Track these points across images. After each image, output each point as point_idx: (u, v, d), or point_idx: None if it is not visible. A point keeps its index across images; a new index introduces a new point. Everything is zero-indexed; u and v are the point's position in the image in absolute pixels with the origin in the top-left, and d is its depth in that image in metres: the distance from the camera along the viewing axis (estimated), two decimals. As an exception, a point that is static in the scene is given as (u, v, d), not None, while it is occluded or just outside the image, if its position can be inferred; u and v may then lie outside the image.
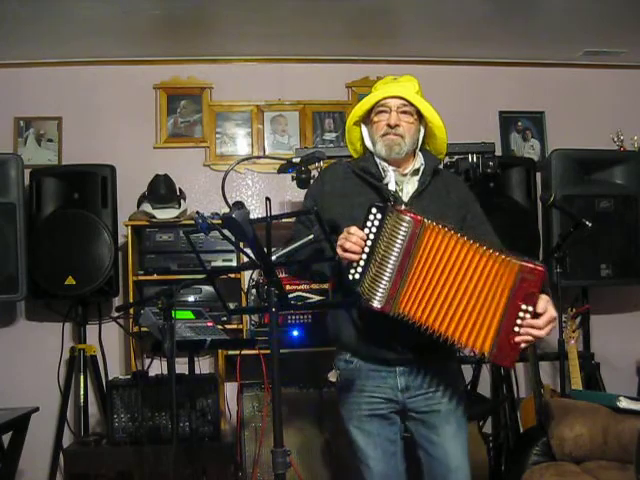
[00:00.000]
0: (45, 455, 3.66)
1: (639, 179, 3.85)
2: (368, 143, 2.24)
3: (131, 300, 3.59)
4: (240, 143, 4.13)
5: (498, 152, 3.87)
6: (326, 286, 3.50)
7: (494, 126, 4.24)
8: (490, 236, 2.19)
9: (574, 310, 3.49)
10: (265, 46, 3.97)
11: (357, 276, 1.95)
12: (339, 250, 1.96)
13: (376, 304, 1.93)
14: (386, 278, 1.93)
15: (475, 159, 3.41)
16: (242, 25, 3.64)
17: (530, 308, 1.93)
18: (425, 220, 1.93)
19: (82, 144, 3.94)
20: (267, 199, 1.84)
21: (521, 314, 1.93)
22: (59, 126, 4.00)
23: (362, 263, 1.95)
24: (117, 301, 3.83)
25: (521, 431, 3.60)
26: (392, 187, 2.16)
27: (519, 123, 4.31)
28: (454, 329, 1.94)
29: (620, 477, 2.55)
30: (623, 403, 2.78)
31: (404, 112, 2.16)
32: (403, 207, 1.98)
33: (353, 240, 1.94)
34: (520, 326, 1.93)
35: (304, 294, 3.49)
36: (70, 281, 3.45)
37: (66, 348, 3.76)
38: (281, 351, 1.87)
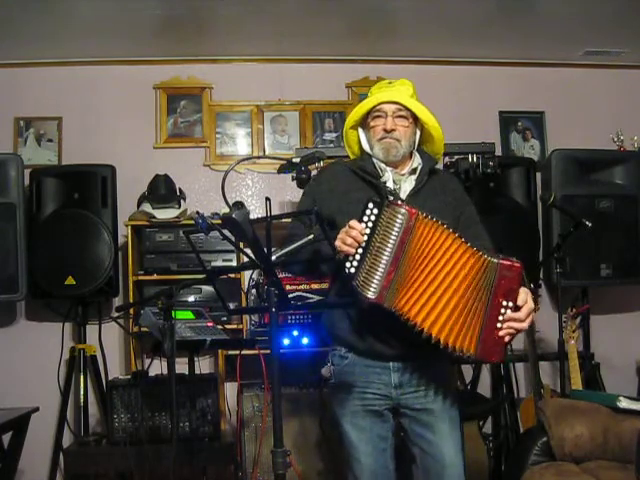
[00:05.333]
0: (45, 455, 3.65)
1: (639, 179, 3.85)
2: (366, 146, 2.30)
3: (131, 300, 3.59)
4: (240, 143, 4.13)
5: (498, 152, 3.87)
6: (326, 286, 3.50)
7: (494, 126, 4.23)
8: (482, 237, 2.24)
9: (574, 310, 3.49)
10: (265, 46, 3.97)
11: (352, 270, 1.98)
12: (338, 243, 1.99)
13: (370, 295, 1.95)
14: (380, 269, 1.95)
15: (475, 159, 3.41)
16: (242, 25, 3.64)
17: (510, 304, 2.00)
18: (419, 213, 1.97)
19: (82, 144, 3.94)
20: (267, 199, 1.85)
21: (502, 310, 2.00)
22: (59, 126, 4.00)
23: (358, 257, 1.98)
24: (117, 301, 3.83)
25: (521, 431, 3.60)
26: (390, 185, 2.20)
27: (519, 123, 4.30)
28: (440, 329, 1.98)
29: (620, 477, 2.55)
30: (623, 403, 2.78)
31: (400, 116, 2.21)
32: (399, 202, 2.01)
33: (353, 234, 1.97)
34: (502, 321, 2.01)
35: (304, 294, 3.49)
36: (70, 281, 3.45)
37: (66, 348, 3.76)
38: (281, 351, 1.87)
